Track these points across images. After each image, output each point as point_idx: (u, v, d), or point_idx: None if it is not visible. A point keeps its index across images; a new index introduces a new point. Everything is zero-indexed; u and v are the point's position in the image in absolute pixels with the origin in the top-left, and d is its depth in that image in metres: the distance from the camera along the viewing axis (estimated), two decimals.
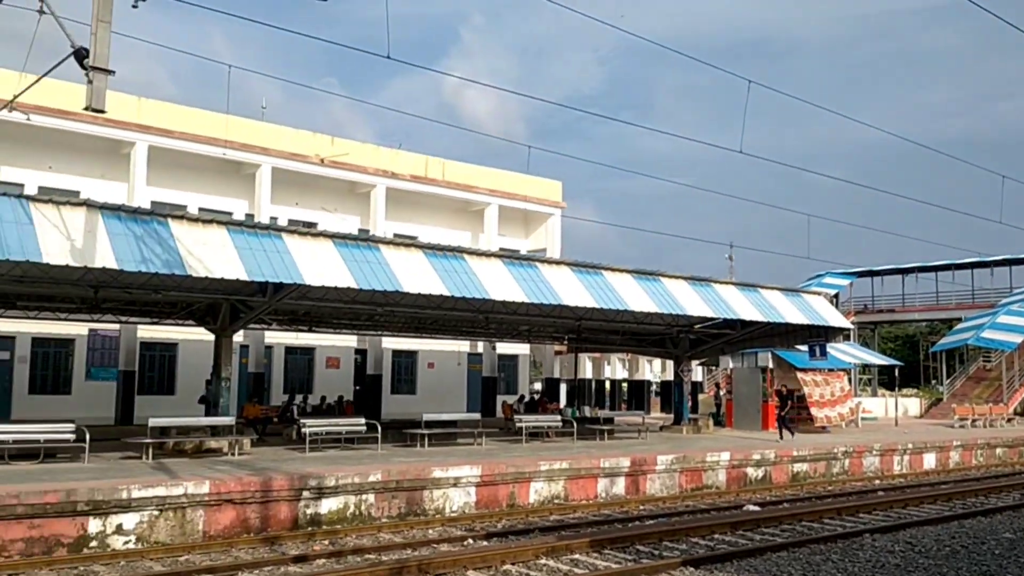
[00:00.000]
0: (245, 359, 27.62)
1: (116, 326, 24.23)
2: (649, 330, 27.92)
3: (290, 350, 29.48)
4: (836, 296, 61.73)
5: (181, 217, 14.51)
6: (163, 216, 14.25)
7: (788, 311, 24.05)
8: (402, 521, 15.20)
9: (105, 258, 12.85)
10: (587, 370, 39.71)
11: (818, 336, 25.93)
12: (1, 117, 21.91)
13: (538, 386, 44.00)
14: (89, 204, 13.38)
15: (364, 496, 15.39)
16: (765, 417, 29.75)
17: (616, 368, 39.62)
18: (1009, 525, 14.14)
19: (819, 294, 25.75)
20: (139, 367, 26.09)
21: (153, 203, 24.30)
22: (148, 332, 25.14)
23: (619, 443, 23.66)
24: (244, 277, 14.44)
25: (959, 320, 50.81)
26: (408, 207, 31.28)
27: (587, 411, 26.45)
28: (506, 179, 32.96)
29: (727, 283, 23.36)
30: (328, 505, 14.96)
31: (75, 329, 24.56)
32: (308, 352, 29.85)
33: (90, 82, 9.12)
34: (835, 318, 25.07)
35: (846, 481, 22.85)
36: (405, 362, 32.34)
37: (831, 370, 30.71)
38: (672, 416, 29.73)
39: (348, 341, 29.80)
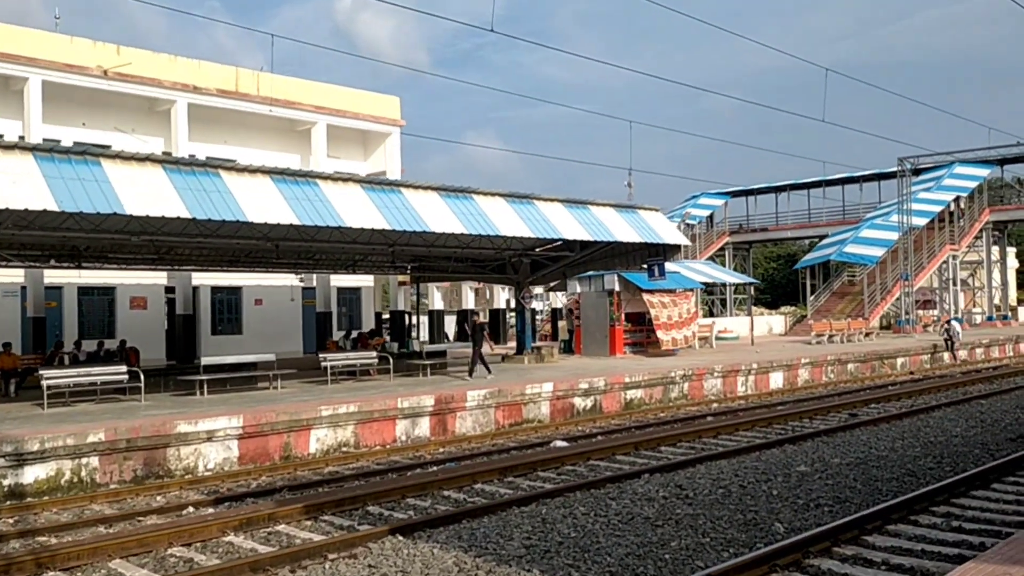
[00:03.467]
0: (28, 302, 24.35)
1: None
2: (485, 255, 25.88)
3: (84, 290, 26.23)
4: (711, 216, 61.27)
5: None
6: None
7: (620, 229, 22.27)
8: (137, 486, 12.88)
9: None
10: (436, 301, 37.54)
11: (657, 254, 24.33)
12: None
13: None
14: None
15: (85, 460, 12.95)
16: (613, 342, 28.33)
17: (470, 297, 37.66)
18: (812, 455, 12.71)
19: (656, 210, 24.03)
20: None
21: None
22: None
23: (443, 379, 21.75)
24: None
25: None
26: (223, 127, 28.05)
27: (416, 345, 24.37)
28: (335, 94, 29.94)
29: (552, 200, 21.34)
30: (34, 473, 12.47)
31: None
32: (107, 292, 26.64)
33: None
34: (671, 234, 23.45)
35: (682, 406, 21.58)
36: (228, 299, 29.48)
37: (681, 290, 29.40)
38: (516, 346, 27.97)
39: (157, 278, 26.76)
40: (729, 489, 10.21)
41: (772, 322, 46.31)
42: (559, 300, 38.90)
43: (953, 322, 33.58)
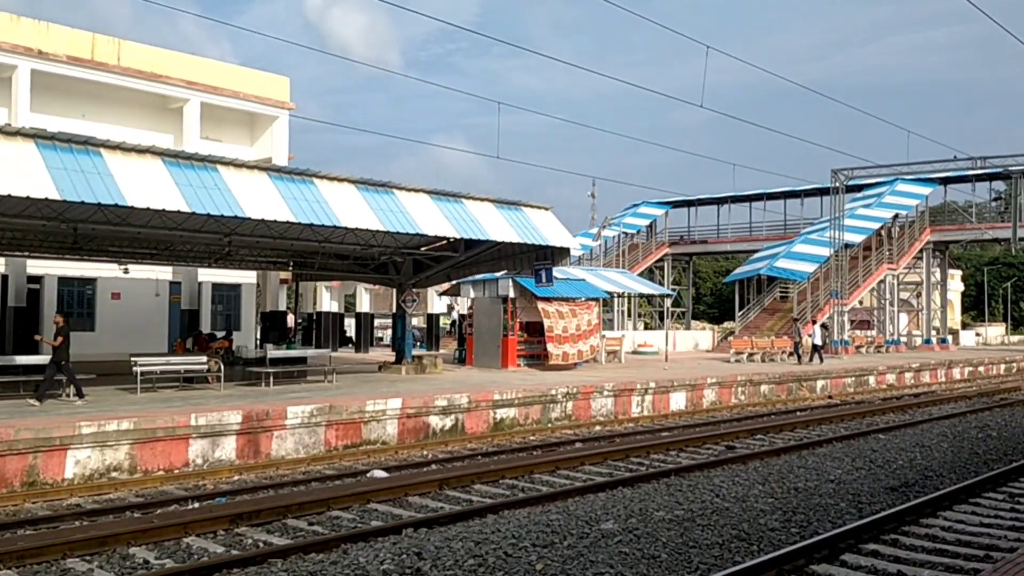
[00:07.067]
0: None
1: None
2: (359, 253, 23.25)
3: None
4: (651, 225, 59.12)
5: None
6: None
7: (497, 228, 19.77)
8: None
9: None
10: (323, 302, 34.64)
11: (546, 258, 21.89)
12: None
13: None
14: None
15: None
16: (506, 353, 25.83)
17: (365, 299, 34.91)
18: (637, 505, 10.21)
19: (547, 209, 21.57)
20: None
21: None
22: None
23: (289, 389, 19.14)
24: None
25: None
26: (78, 99, 25.06)
27: (270, 349, 21.63)
28: (212, 70, 27.09)
29: (418, 191, 18.79)
30: None
31: None
32: None
33: None
34: (558, 237, 20.97)
35: (559, 428, 19.15)
36: (79, 292, 26.48)
37: (584, 299, 26.98)
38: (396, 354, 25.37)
39: None
40: (485, 559, 7.66)
41: (699, 337, 44.13)
42: (465, 306, 36.35)
43: (816, 327, 34.09)
